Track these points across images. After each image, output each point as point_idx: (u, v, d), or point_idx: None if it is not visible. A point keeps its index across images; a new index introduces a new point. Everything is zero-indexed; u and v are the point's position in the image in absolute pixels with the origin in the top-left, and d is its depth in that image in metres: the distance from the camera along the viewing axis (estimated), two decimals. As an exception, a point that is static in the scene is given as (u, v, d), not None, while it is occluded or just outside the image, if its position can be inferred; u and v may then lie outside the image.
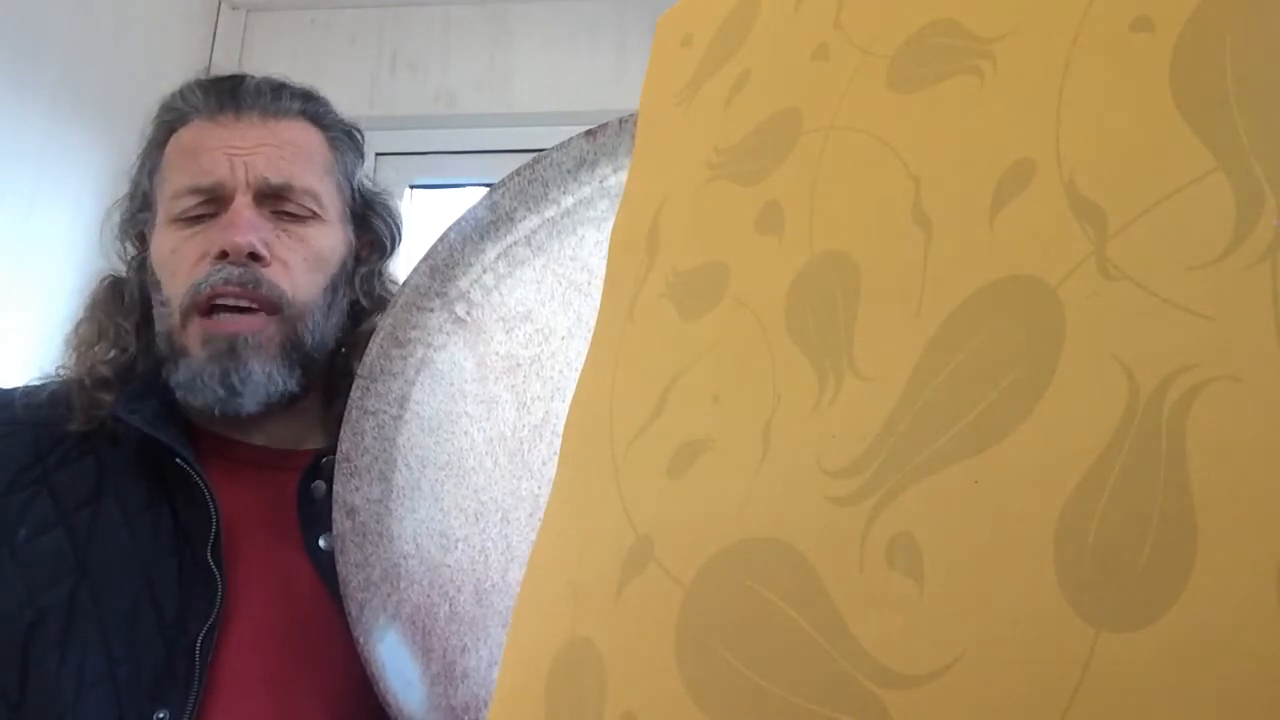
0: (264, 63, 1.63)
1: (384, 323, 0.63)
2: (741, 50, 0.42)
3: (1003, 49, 0.29)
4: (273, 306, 0.68)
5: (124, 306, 0.74)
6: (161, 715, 0.58)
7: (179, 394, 0.67)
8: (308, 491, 0.69)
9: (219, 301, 0.67)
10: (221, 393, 0.66)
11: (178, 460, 0.65)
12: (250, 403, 0.67)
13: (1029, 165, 0.27)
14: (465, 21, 1.73)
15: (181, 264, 0.69)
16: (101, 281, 0.77)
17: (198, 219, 0.69)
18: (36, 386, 0.72)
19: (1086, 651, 0.21)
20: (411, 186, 1.70)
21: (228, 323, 0.67)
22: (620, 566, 0.35)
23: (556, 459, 0.59)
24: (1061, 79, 0.27)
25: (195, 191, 0.69)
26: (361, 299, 0.75)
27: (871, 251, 0.31)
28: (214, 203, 0.69)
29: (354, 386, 0.62)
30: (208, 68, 1.66)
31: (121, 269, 0.77)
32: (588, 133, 0.62)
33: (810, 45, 0.37)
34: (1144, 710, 0.20)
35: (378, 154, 1.67)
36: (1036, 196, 0.27)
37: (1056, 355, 0.24)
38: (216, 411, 0.67)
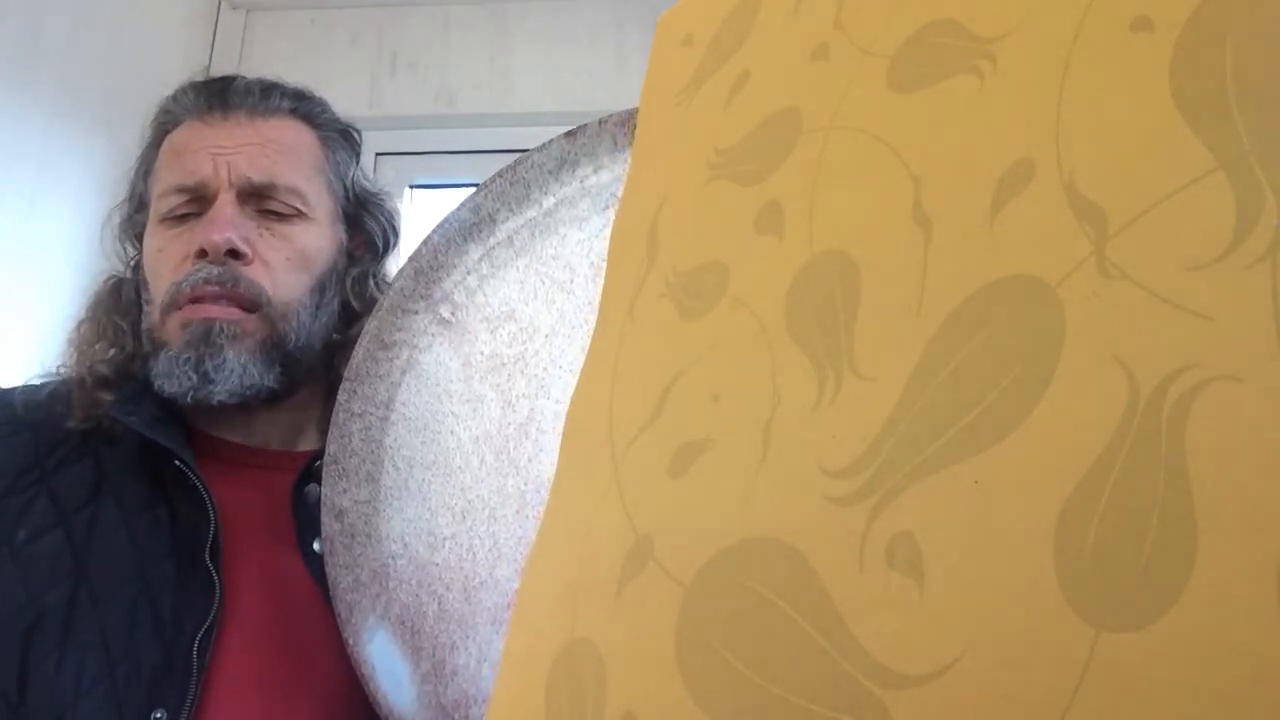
0: (264, 63, 1.63)
1: (369, 325, 0.64)
2: (741, 50, 0.42)
3: (1003, 49, 0.29)
4: (252, 305, 0.68)
5: (122, 306, 0.74)
6: (159, 715, 0.58)
7: (157, 384, 0.67)
8: (302, 494, 0.69)
9: (199, 300, 0.67)
10: (194, 378, 0.66)
11: (176, 462, 0.65)
12: (222, 391, 0.66)
13: (1029, 165, 0.27)
14: (465, 21, 1.73)
15: (166, 264, 0.69)
16: (105, 281, 0.77)
17: (183, 218, 0.70)
18: (36, 386, 0.72)
19: (1086, 651, 0.21)
20: (411, 186, 1.70)
21: (206, 309, 0.67)
22: (620, 566, 0.35)
23: (542, 455, 0.60)
24: (1061, 79, 0.27)
25: (180, 190, 0.69)
26: (353, 300, 0.75)
27: (871, 251, 0.31)
28: (198, 202, 0.69)
29: (340, 389, 0.62)
30: (207, 68, 1.66)
31: (124, 270, 0.77)
32: (568, 134, 0.63)
33: (810, 45, 0.37)
34: (1144, 710, 0.20)
35: (378, 154, 1.67)
36: (1036, 196, 0.27)
37: (1056, 355, 0.24)
38: (189, 399, 0.66)
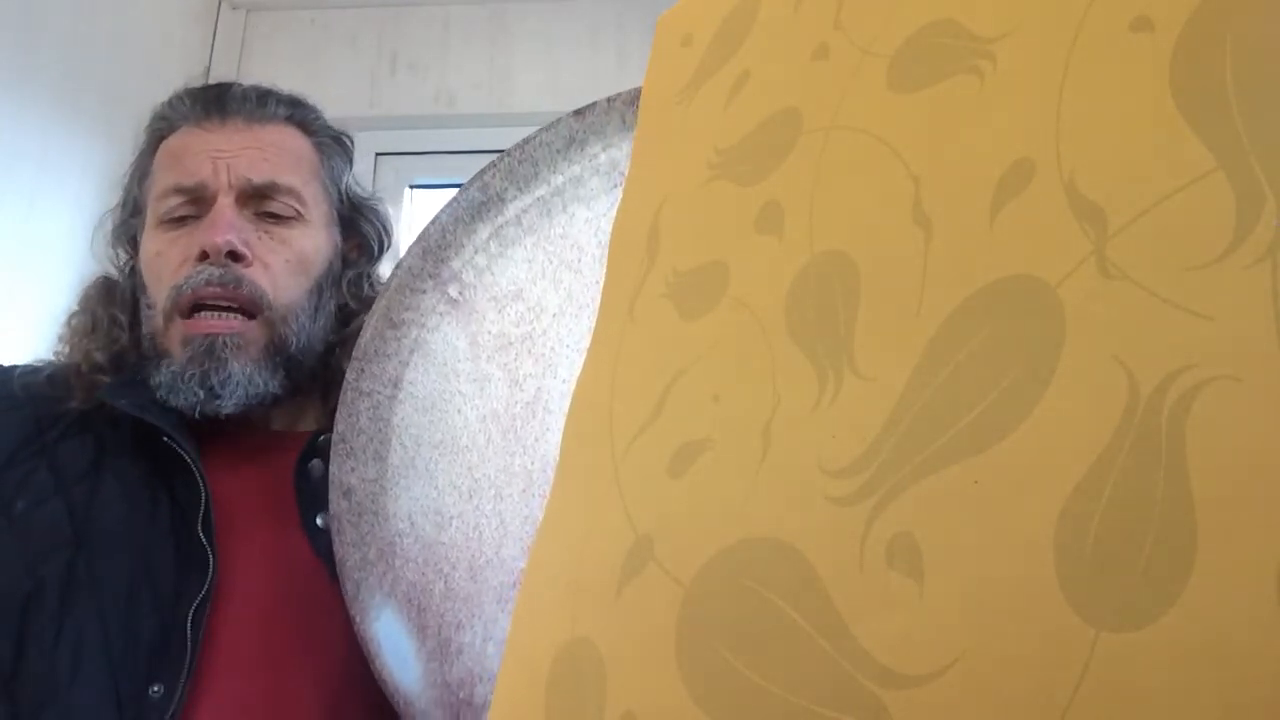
0: (264, 63, 1.63)
1: (378, 305, 0.64)
2: (741, 50, 0.42)
3: (1003, 49, 0.29)
4: (254, 307, 0.68)
5: (118, 302, 0.75)
6: (156, 689, 0.58)
7: (159, 395, 0.68)
8: (305, 470, 0.69)
9: (201, 303, 0.68)
10: (201, 394, 0.66)
11: (165, 439, 0.65)
12: (229, 404, 0.67)
13: (1029, 165, 0.27)
14: (465, 21, 1.73)
15: (165, 267, 0.69)
16: (95, 280, 0.77)
17: (182, 220, 0.70)
18: (33, 368, 0.73)
19: (1086, 651, 0.21)
20: (411, 186, 1.70)
21: (207, 324, 0.67)
22: (620, 566, 0.35)
23: (549, 435, 0.60)
24: (1061, 79, 0.27)
25: (179, 191, 0.70)
26: (350, 301, 0.75)
27: (871, 251, 0.31)
28: (197, 204, 0.70)
29: (349, 368, 0.63)
30: (207, 68, 1.66)
31: (116, 274, 0.78)
32: (576, 112, 0.63)
33: (810, 45, 0.37)
34: (1144, 710, 0.20)
35: (377, 154, 1.67)
36: (1036, 196, 0.27)
37: (1056, 355, 0.24)
38: (196, 414, 0.67)
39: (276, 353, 0.69)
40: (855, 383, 0.30)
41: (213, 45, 1.71)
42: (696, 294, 0.38)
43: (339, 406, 0.62)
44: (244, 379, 0.68)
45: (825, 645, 0.27)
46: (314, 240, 0.73)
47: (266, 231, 0.70)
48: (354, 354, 0.63)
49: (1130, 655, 0.20)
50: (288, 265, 0.71)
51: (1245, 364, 0.21)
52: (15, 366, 0.73)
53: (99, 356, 0.71)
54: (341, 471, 0.61)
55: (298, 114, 0.76)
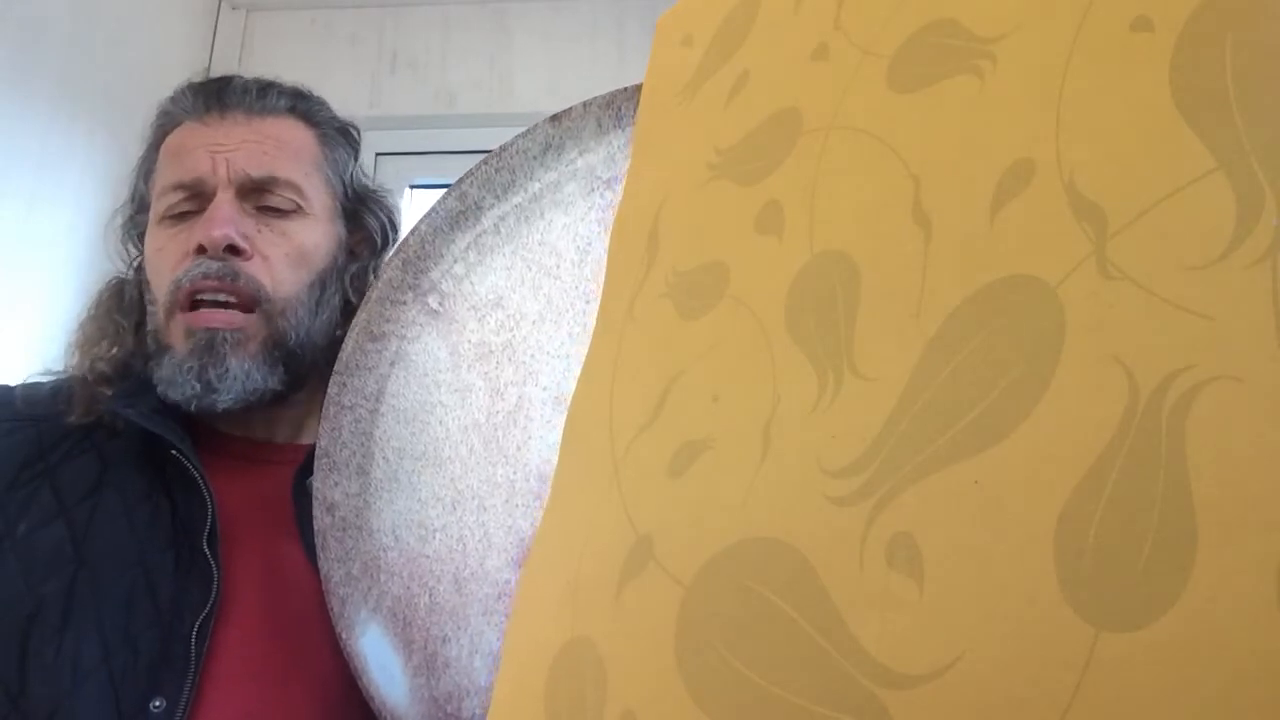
0: (264, 63, 1.63)
1: (358, 318, 0.64)
2: (741, 50, 0.42)
3: (1003, 49, 0.29)
4: (251, 300, 0.68)
5: (124, 305, 0.75)
6: (158, 704, 0.58)
7: (160, 389, 0.68)
8: (303, 485, 0.69)
9: (199, 296, 0.68)
10: (198, 388, 0.66)
11: (174, 452, 0.65)
12: (226, 399, 0.67)
13: (1029, 165, 0.27)
14: (465, 21, 1.73)
15: (166, 261, 0.69)
16: (109, 283, 0.77)
17: (182, 216, 0.70)
18: (37, 384, 0.73)
19: (1086, 651, 0.21)
20: (411, 186, 1.70)
21: (208, 317, 0.67)
22: (620, 566, 0.35)
23: (531, 443, 0.60)
24: (1061, 79, 0.27)
25: (179, 188, 0.70)
26: (353, 296, 0.75)
27: (871, 251, 0.31)
28: (197, 199, 0.70)
29: (330, 382, 0.62)
30: (208, 68, 1.66)
31: (126, 271, 0.78)
32: (552, 118, 0.63)
33: (810, 45, 0.37)
34: (1144, 710, 0.20)
35: (377, 154, 1.67)
36: (1036, 196, 0.27)
37: (1056, 355, 0.24)
38: (193, 407, 0.67)
39: (275, 347, 0.69)
40: (855, 383, 0.30)
41: (213, 45, 1.71)
42: (696, 294, 0.38)
43: (322, 421, 0.62)
44: (242, 374, 0.67)
45: (825, 645, 0.27)
46: (315, 233, 0.73)
47: (267, 225, 0.70)
48: (335, 368, 0.63)
49: (1130, 655, 0.20)
50: (287, 258, 0.70)
51: (1245, 364, 0.21)
52: (16, 386, 0.73)
53: (104, 366, 0.71)
54: (325, 486, 0.61)
55: (300, 105, 0.75)
